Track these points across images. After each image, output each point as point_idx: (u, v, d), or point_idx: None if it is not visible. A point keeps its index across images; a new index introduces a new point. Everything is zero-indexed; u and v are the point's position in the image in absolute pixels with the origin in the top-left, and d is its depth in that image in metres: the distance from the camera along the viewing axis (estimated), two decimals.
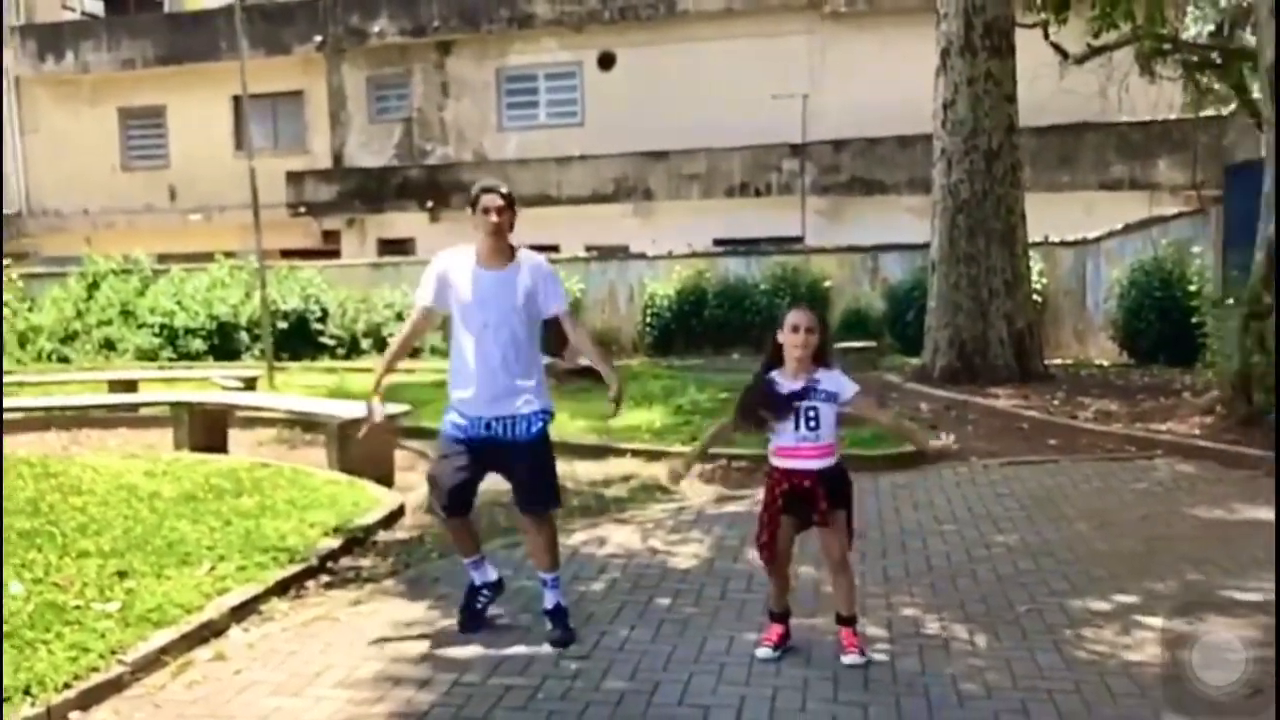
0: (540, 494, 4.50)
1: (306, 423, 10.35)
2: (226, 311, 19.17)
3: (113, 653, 4.07)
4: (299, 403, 9.10)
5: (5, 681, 3.68)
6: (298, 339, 18.77)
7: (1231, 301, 10.86)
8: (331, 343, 19.09)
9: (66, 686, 3.80)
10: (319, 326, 19.16)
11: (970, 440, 8.91)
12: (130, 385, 11.87)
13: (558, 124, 23.27)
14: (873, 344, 15.64)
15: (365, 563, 5.71)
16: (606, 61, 22.77)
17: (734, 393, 11.41)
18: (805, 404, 4.02)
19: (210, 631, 4.48)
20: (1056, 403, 10.15)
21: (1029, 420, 9.47)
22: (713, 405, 10.64)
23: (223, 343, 19.09)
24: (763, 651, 4.19)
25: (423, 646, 4.39)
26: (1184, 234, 14.46)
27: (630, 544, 5.91)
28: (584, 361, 4.90)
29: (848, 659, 4.07)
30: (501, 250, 4.44)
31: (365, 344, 19.12)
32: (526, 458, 4.43)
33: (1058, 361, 14.34)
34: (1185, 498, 6.78)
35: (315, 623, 4.69)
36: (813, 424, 4.02)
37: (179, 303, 19.47)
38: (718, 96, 20.93)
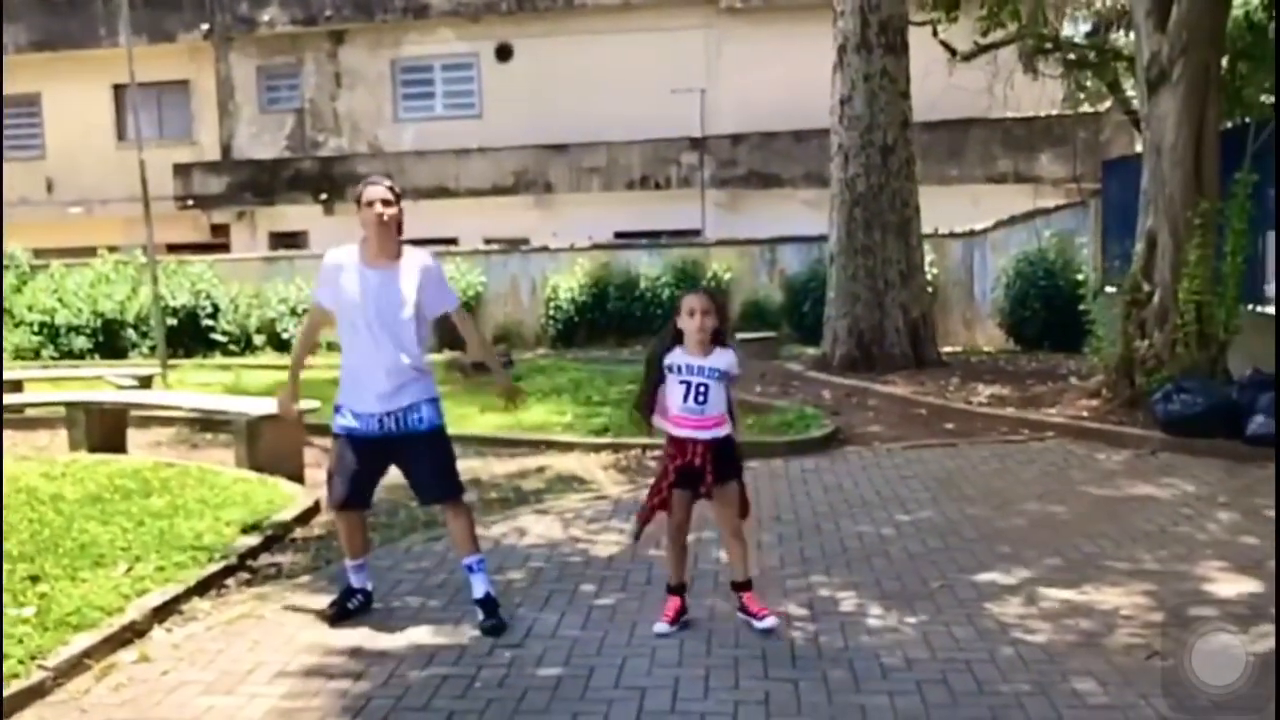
0: (439, 486, 4.56)
1: (207, 421, 10.13)
2: (112, 308, 18.50)
3: (33, 658, 3.97)
4: (204, 400, 8.88)
5: None
6: (189, 336, 18.24)
7: (1112, 290, 11.44)
8: (224, 339, 18.59)
9: None
10: (210, 323, 18.64)
11: (871, 425, 9.21)
12: (16, 385, 11.40)
13: (455, 115, 23.06)
14: (773, 334, 15.97)
15: (284, 559, 5.65)
16: (504, 53, 22.65)
17: (640, 383, 11.60)
18: (696, 380, 4.25)
19: (132, 633, 4.39)
20: (951, 389, 10.53)
21: (926, 406, 9.81)
22: (621, 397, 10.72)
23: (108, 340, 18.43)
24: (659, 627, 4.35)
25: (352, 640, 4.38)
26: (1066, 225, 15.14)
27: (551, 534, 5.97)
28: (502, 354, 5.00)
29: (762, 624, 4.26)
30: (387, 248, 4.44)
31: (259, 340, 18.69)
32: (423, 451, 4.49)
33: (949, 349, 14.84)
34: (1077, 476, 7.14)
35: (240, 621, 4.64)
36: (701, 399, 4.26)
37: (60, 299, 18.72)
38: (617, 90, 21.03)
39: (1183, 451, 7.57)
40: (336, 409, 4.56)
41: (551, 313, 18.34)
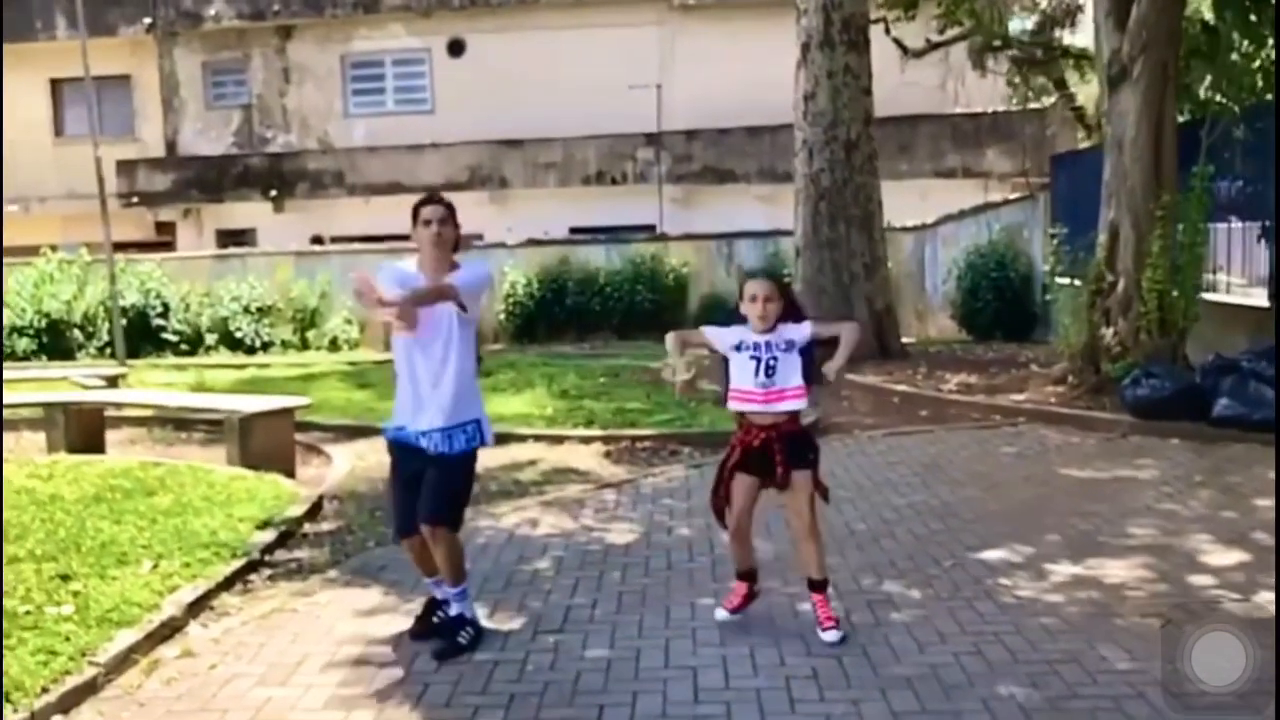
0: (433, 503, 4.22)
1: (180, 420, 10.04)
2: (58, 308, 18.11)
3: (83, 654, 3.98)
4: (191, 399, 8.80)
5: None
6: (138, 335, 17.89)
7: (1063, 280, 11.82)
8: (175, 339, 18.30)
9: (44, 691, 3.70)
10: (161, 322, 18.33)
11: (849, 414, 9.44)
12: None
13: (406, 111, 22.90)
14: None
15: (301, 554, 5.68)
16: (456, 48, 22.56)
17: (611, 377, 11.71)
18: (766, 356, 4.16)
19: (171, 629, 4.41)
20: (920, 377, 10.82)
21: (899, 395, 10.08)
22: (597, 389, 10.87)
23: (54, 341, 18.03)
24: (719, 614, 4.38)
25: (393, 630, 4.44)
26: (1015, 219, 15.57)
27: (563, 524, 6.06)
28: None
29: (826, 635, 4.14)
30: (442, 264, 4.35)
31: (211, 339, 18.42)
32: (441, 467, 4.26)
33: (905, 340, 15.18)
34: (1056, 459, 7.43)
35: (274, 615, 4.67)
36: (770, 373, 4.15)
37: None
38: (572, 85, 21.08)
39: (1152, 434, 7.90)
40: (389, 428, 4.43)
41: (510, 308, 18.34)
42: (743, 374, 4.21)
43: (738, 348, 4.24)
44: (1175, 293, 8.80)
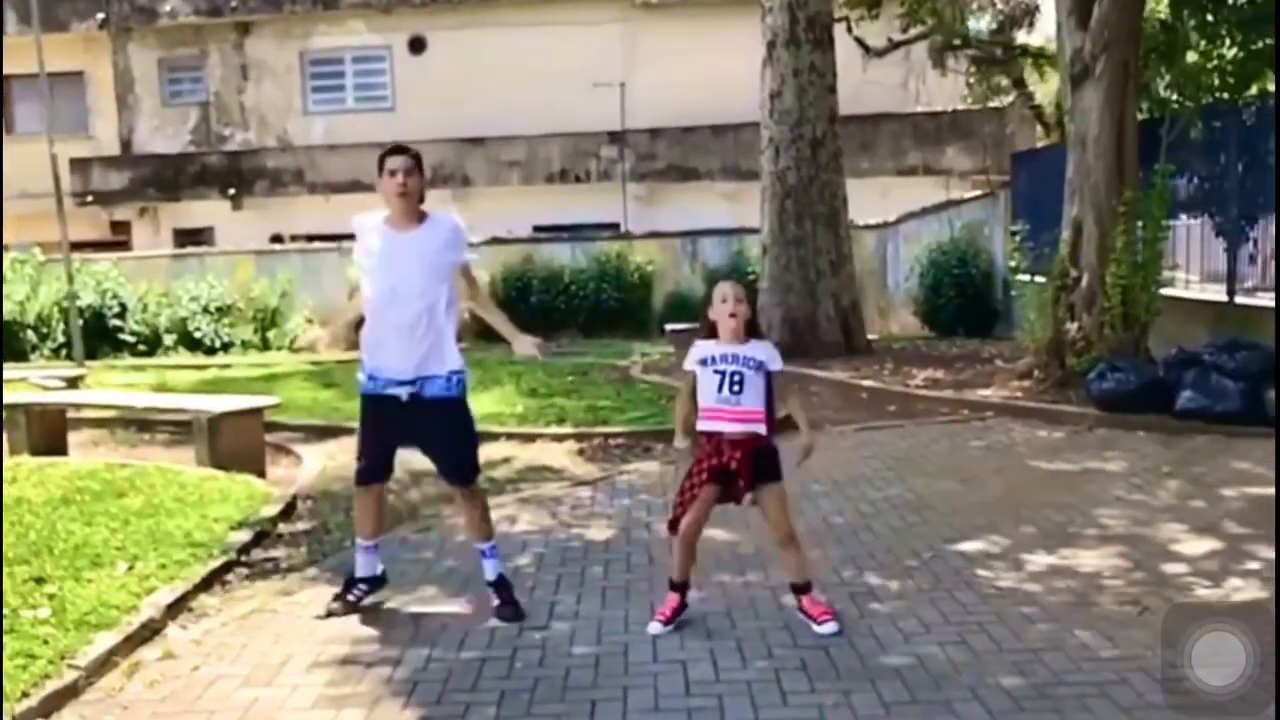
0: (461, 462, 4.53)
1: (142, 421, 9.88)
2: (10, 309, 17.72)
3: (62, 657, 3.90)
4: (159, 399, 8.67)
5: None
6: (95, 336, 17.58)
7: (1024, 276, 11.98)
8: (132, 339, 18.00)
9: (25, 695, 3.63)
10: (118, 323, 18.03)
11: (818, 410, 9.47)
12: None
13: (367, 108, 22.72)
14: (699, 324, 16.20)
15: (278, 554, 5.61)
16: (417, 45, 22.42)
17: (579, 375, 11.70)
18: (731, 369, 4.16)
19: (150, 631, 4.34)
20: (887, 373, 10.91)
21: (867, 390, 10.16)
22: (566, 387, 10.86)
23: (6, 342, 17.60)
24: (654, 628, 4.23)
25: (376, 630, 4.40)
26: (976, 216, 15.77)
27: (541, 521, 6.05)
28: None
29: (822, 628, 4.15)
30: (410, 213, 4.42)
31: (169, 340, 18.14)
32: (444, 422, 4.43)
33: (870, 337, 15.31)
34: (1025, 452, 7.53)
35: (254, 615, 4.61)
36: (736, 388, 4.14)
37: None
38: (535, 83, 21.03)
39: (1117, 427, 8.03)
40: (361, 369, 4.51)
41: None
42: (708, 390, 4.19)
43: (703, 362, 4.23)
44: (1138, 288, 8.95)
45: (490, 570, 4.60)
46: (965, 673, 3.81)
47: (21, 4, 19.64)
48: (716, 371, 4.19)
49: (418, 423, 4.45)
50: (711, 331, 4.27)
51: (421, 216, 4.47)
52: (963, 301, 15.07)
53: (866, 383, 10.36)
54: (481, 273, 18.07)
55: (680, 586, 4.35)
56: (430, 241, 4.42)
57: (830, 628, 4.17)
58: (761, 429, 4.20)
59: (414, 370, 4.38)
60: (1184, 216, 10.49)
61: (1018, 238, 11.59)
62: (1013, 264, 12.35)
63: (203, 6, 22.46)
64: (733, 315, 4.18)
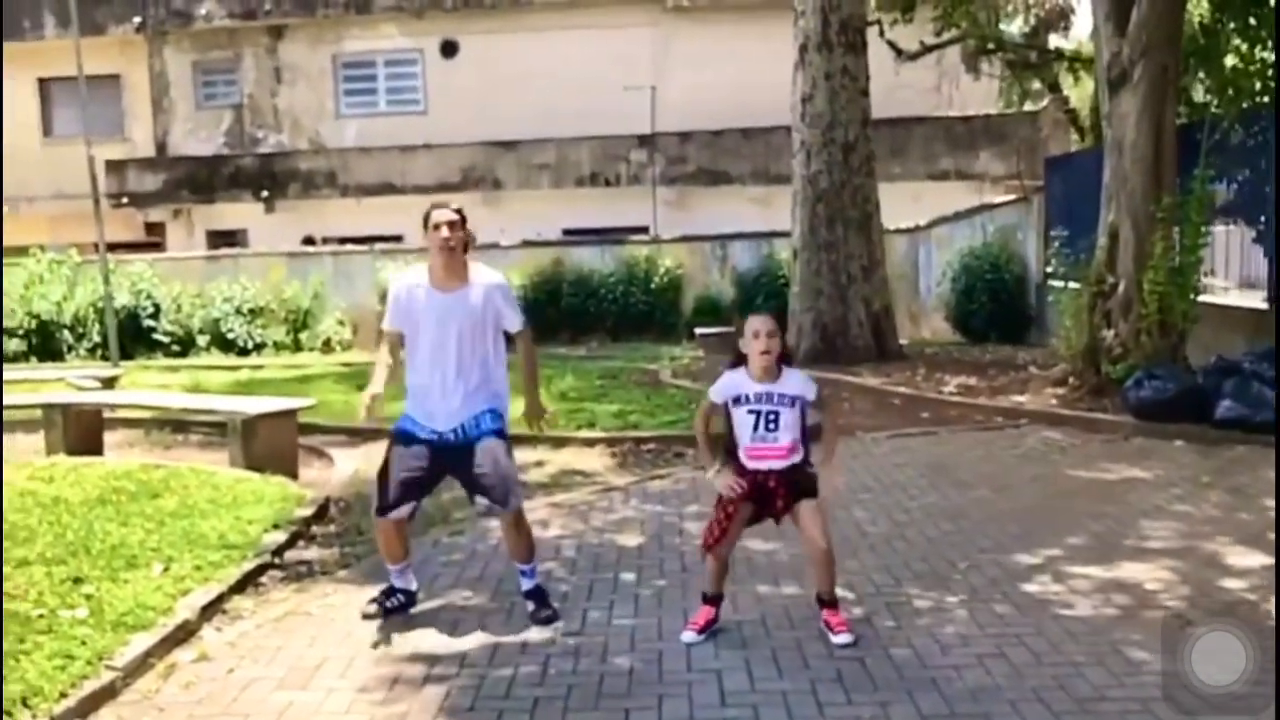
0: (506, 493, 4.48)
1: (177, 423, 9.97)
2: (48, 309, 17.98)
3: (99, 658, 3.92)
4: (194, 401, 8.73)
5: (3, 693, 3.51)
6: (130, 336, 17.78)
7: (1058, 282, 11.85)
8: (166, 340, 18.19)
9: (63, 696, 3.65)
10: (152, 323, 18.22)
11: (850, 416, 9.41)
12: None
13: (399, 112, 22.84)
14: (729, 329, 16.14)
15: (311, 556, 5.63)
16: (449, 49, 22.50)
17: (609, 379, 11.69)
18: (766, 409, 4.11)
19: (185, 632, 4.36)
20: (919, 379, 10.83)
21: (899, 396, 10.09)
22: (595, 392, 10.85)
23: (43, 342, 17.91)
24: (687, 636, 4.20)
25: (412, 635, 4.40)
26: (1009, 221, 15.62)
27: (573, 526, 6.04)
28: None
29: (838, 638, 4.14)
30: (455, 269, 4.45)
31: (202, 340, 18.31)
32: (484, 455, 4.43)
33: (902, 342, 15.21)
34: (1061, 460, 7.44)
35: (288, 618, 4.62)
36: (772, 426, 4.10)
37: None
38: (565, 87, 21.05)
39: (1154, 436, 7.92)
40: (402, 418, 4.55)
41: None
42: (744, 429, 4.16)
43: (737, 400, 4.18)
44: (1175, 295, 8.83)
45: (527, 583, 4.61)
46: (1005, 686, 3.76)
47: (61, 8, 19.89)
48: (751, 411, 4.14)
49: (459, 459, 4.47)
50: (739, 359, 4.20)
51: (465, 274, 4.48)
52: (995, 307, 14.92)
53: (899, 389, 10.29)
54: (511, 276, 18.15)
55: (714, 599, 4.33)
56: (477, 300, 4.47)
57: (845, 638, 4.14)
58: (798, 459, 4.19)
59: (460, 418, 4.45)
60: (1229, 223, 10.32)
61: (1055, 243, 11.45)
62: (1049, 269, 12.20)
63: (237, 10, 22.66)
64: (765, 353, 4.11)
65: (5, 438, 9.90)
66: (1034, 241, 14.70)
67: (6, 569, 4.73)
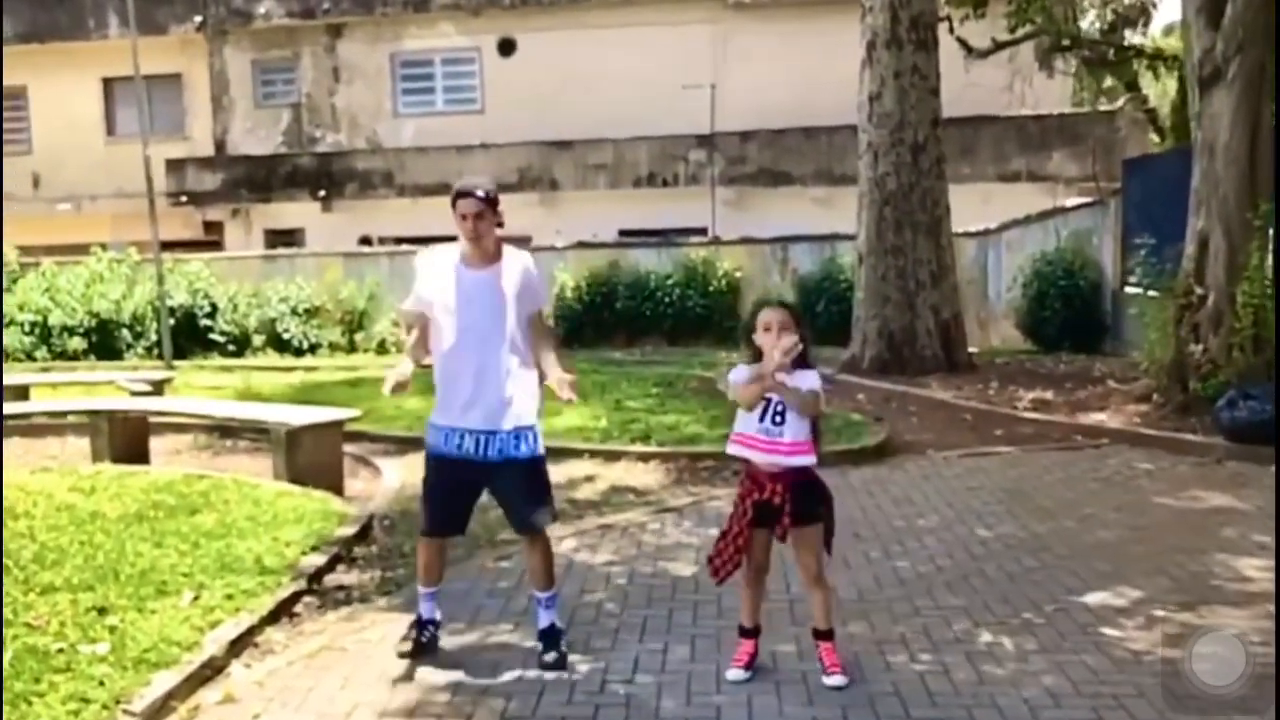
0: (527, 512, 4.25)
1: (226, 428, 9.81)
2: (108, 308, 18.07)
3: (117, 702, 3.67)
4: (238, 409, 8.53)
5: None
6: (186, 336, 17.81)
7: (1133, 289, 11.27)
8: (222, 339, 18.18)
9: None
10: (208, 323, 18.22)
11: (919, 432, 8.99)
12: (21, 391, 10.98)
13: (456, 111, 22.70)
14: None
15: (350, 580, 5.36)
16: (507, 47, 22.31)
17: (665, 387, 11.33)
18: (775, 399, 3.87)
19: (211, 670, 4.10)
20: (991, 392, 10.34)
21: (970, 411, 9.61)
22: (650, 400, 10.50)
23: (103, 341, 18.00)
24: (733, 674, 4.00)
25: (449, 674, 4.10)
26: (1083, 224, 14.98)
27: (625, 551, 5.71)
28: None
29: (831, 680, 3.91)
30: (484, 251, 4.20)
31: (258, 340, 18.29)
32: (516, 478, 4.21)
33: (970, 350, 14.67)
34: (1148, 486, 6.95)
35: (322, 653, 4.34)
36: (778, 420, 3.87)
37: (53, 299, 18.27)
38: (623, 85, 20.74)
39: (1250, 460, 7.38)
40: (429, 427, 4.28)
41: (559, 311, 18.01)
42: (748, 416, 3.92)
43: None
44: (1271, 308, 8.26)
45: (544, 619, 4.26)
46: None
47: (122, 7, 20.01)
48: (761, 398, 3.89)
49: (491, 476, 4.23)
50: (757, 355, 3.94)
51: (497, 254, 4.22)
52: (1069, 314, 14.29)
53: (970, 403, 9.82)
54: (566, 277, 17.91)
55: (751, 632, 4.09)
56: (506, 280, 4.20)
57: (838, 680, 3.91)
58: (804, 460, 3.91)
59: (487, 420, 4.13)
60: None
61: (1141, 251, 10.86)
62: (1133, 278, 11.60)
63: (296, 9, 22.67)
64: (778, 347, 3.84)
65: (57, 439, 9.92)
66: (1110, 246, 14.07)
67: (32, 596, 4.51)
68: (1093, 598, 4.84)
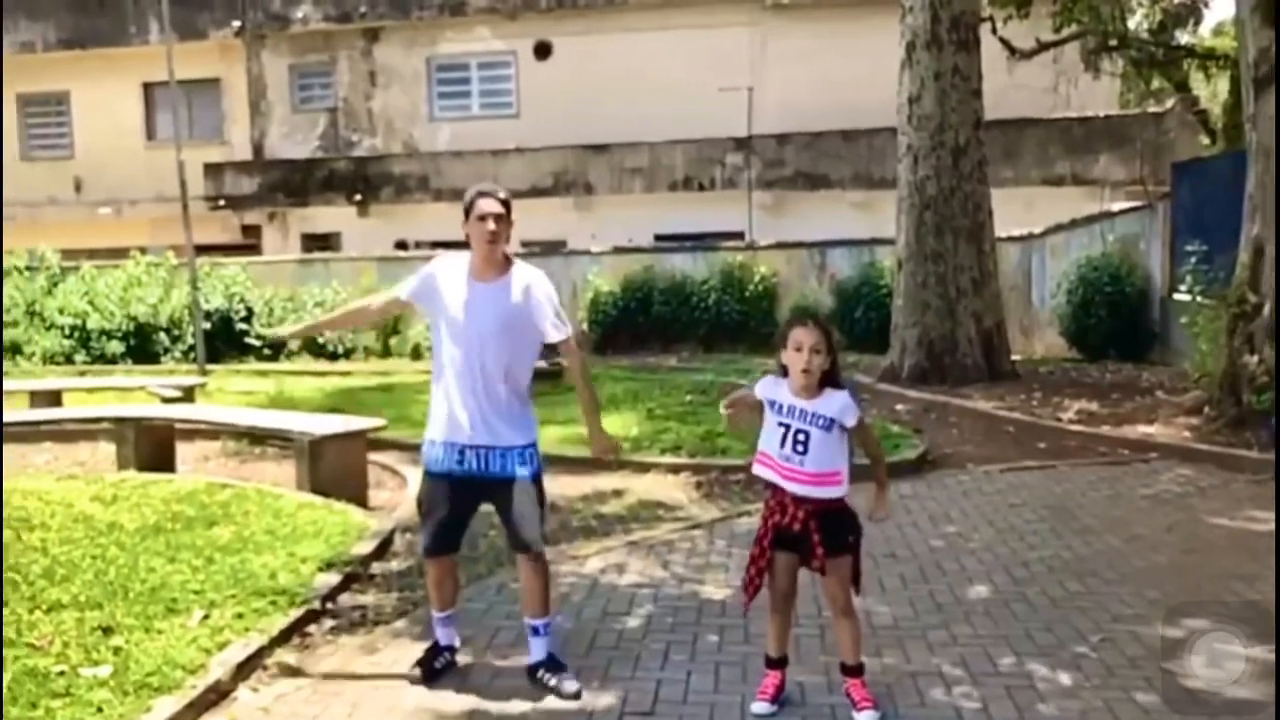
0: (535, 533, 4.09)
1: (254, 434, 9.73)
2: (145, 311, 18.18)
3: None
4: (261, 418, 8.44)
5: None
6: (222, 340, 17.88)
7: (1182, 296, 10.89)
8: (258, 344, 18.22)
9: None
10: (244, 327, 18.28)
11: (959, 445, 8.72)
12: (54, 396, 11.00)
13: (492, 115, 22.63)
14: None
15: (367, 600, 5.20)
16: (542, 51, 22.21)
17: (698, 394, 11.11)
18: (796, 425, 3.65)
19: (217, 694, 3.95)
20: (1034, 403, 10.02)
21: (1013, 423, 9.31)
22: (683, 409, 10.28)
23: (141, 344, 18.11)
24: (758, 707, 3.81)
25: (463, 702, 3.93)
26: (1131, 229, 14.57)
27: (652, 571, 5.51)
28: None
29: (861, 717, 3.70)
30: (495, 261, 4.06)
31: (293, 345, 18.30)
32: (514, 495, 4.06)
33: (1014, 358, 14.32)
34: (1200, 505, 6.65)
35: (332, 679, 4.18)
36: (800, 448, 3.65)
37: (91, 302, 18.41)
38: (659, 89, 20.55)
39: None
40: (426, 443, 4.15)
41: (594, 316, 17.87)
42: (770, 439, 3.73)
43: (771, 405, 3.73)
44: None
45: (539, 649, 4.10)
46: None
47: (161, 12, 20.15)
48: (781, 424, 3.69)
49: (491, 494, 4.11)
50: (785, 370, 3.74)
51: (506, 266, 4.08)
52: (1115, 322, 13.89)
53: (1013, 414, 9.51)
54: (601, 282, 17.74)
55: (778, 662, 3.90)
56: (517, 295, 4.05)
57: (869, 716, 3.70)
58: (830, 492, 3.68)
59: (482, 434, 4.00)
60: None
61: (1191, 258, 10.49)
62: (1183, 285, 11.22)
63: (333, 13, 22.71)
64: (805, 371, 3.62)
65: (89, 445, 9.90)
66: (1158, 252, 13.66)
67: (37, 614, 4.39)
68: (1142, 628, 4.57)
